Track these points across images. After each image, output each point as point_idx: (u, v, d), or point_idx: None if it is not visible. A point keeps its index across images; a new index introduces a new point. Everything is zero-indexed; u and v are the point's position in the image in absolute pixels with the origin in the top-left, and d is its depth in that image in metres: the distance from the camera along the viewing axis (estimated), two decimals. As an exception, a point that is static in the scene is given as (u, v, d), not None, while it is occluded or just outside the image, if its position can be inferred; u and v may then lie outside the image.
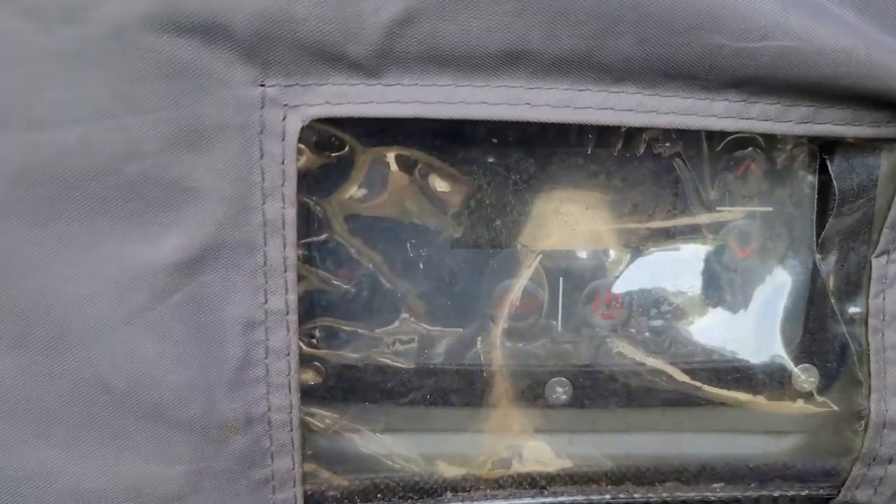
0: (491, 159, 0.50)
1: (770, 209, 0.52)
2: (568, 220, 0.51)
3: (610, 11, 0.42)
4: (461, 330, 0.52)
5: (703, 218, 0.52)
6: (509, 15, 0.42)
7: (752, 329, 0.53)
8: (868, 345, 0.50)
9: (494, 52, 0.43)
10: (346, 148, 0.48)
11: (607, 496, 0.52)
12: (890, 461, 0.51)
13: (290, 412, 0.47)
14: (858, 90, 0.45)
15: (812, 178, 0.51)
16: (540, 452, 0.52)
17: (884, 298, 0.50)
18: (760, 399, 0.53)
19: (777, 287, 0.53)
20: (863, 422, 0.50)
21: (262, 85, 0.43)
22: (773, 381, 0.53)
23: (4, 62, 0.41)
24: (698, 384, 0.52)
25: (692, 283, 0.53)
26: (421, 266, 0.51)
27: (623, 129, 0.49)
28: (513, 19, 0.42)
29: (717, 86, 0.45)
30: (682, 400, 0.53)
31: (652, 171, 0.51)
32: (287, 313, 0.46)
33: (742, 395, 0.53)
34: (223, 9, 0.41)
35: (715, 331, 0.53)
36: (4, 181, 0.42)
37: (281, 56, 0.43)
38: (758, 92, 0.45)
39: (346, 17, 0.42)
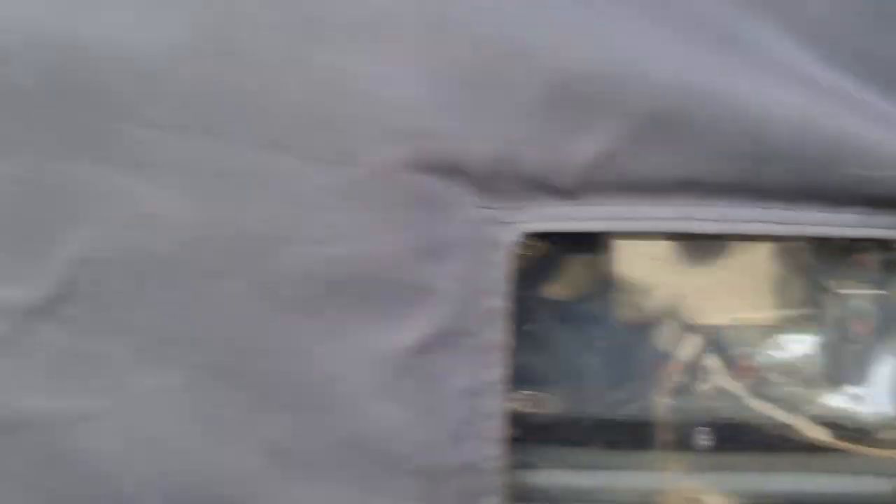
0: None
1: (885, 293, 0.62)
2: (723, 304, 0.62)
3: (765, 151, 0.53)
4: (632, 389, 0.63)
5: (829, 302, 0.62)
6: (685, 156, 0.53)
7: (872, 392, 0.63)
8: None
9: (670, 181, 0.54)
10: (552, 253, 0.60)
11: None
12: None
13: (498, 460, 0.57)
14: None
15: None
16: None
17: None
18: (881, 450, 0.62)
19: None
20: None
21: (488, 207, 0.55)
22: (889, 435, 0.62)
23: (290, 193, 0.53)
24: (824, 438, 0.62)
25: (820, 355, 0.63)
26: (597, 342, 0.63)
27: None
28: (687, 159, 0.53)
29: (845, 201, 0.55)
30: (811, 447, 0.63)
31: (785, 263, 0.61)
32: (500, 384, 0.57)
33: (863, 448, 0.62)
34: (465, 153, 0.53)
35: (839, 396, 0.63)
36: (290, 283, 0.54)
37: (503, 186, 0.54)
38: (882, 205, 0.55)
39: (558, 157, 0.53)
